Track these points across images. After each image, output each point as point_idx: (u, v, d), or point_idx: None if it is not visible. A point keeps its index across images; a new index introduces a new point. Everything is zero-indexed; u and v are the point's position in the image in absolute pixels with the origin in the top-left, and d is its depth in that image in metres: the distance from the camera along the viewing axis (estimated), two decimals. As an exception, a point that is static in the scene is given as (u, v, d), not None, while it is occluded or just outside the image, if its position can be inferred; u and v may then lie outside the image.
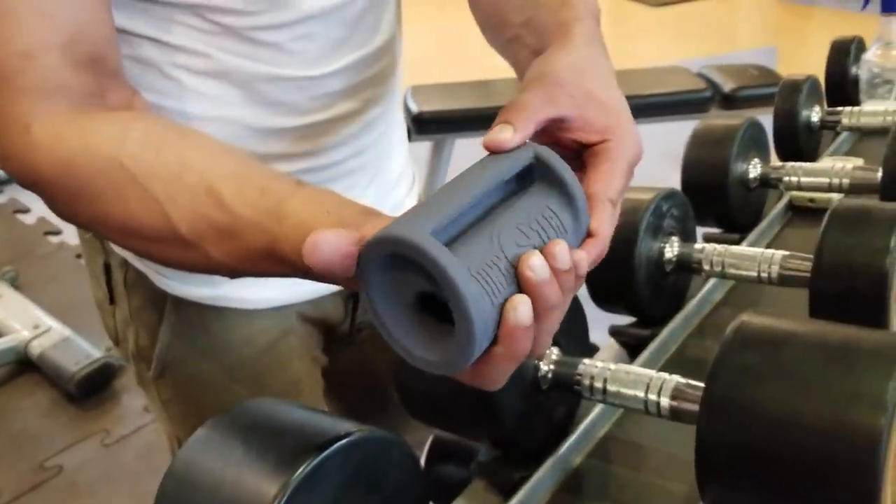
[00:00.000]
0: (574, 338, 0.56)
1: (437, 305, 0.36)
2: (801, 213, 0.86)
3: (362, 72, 0.66)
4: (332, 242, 0.37)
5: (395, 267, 0.36)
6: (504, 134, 0.41)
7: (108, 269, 0.71)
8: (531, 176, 0.41)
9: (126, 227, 0.47)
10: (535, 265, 0.37)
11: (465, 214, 0.37)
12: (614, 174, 0.45)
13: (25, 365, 2.06)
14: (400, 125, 0.79)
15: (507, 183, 0.40)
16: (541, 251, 0.38)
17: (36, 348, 2.02)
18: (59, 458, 1.81)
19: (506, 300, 0.36)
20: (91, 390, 1.96)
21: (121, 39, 0.53)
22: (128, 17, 0.55)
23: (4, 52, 0.47)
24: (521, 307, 0.36)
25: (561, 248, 0.38)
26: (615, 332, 0.68)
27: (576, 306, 0.55)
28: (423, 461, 0.76)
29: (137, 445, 1.83)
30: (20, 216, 2.83)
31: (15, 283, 2.37)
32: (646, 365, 0.62)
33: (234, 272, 0.46)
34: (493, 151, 0.41)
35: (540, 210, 0.40)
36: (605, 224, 0.43)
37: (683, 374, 0.49)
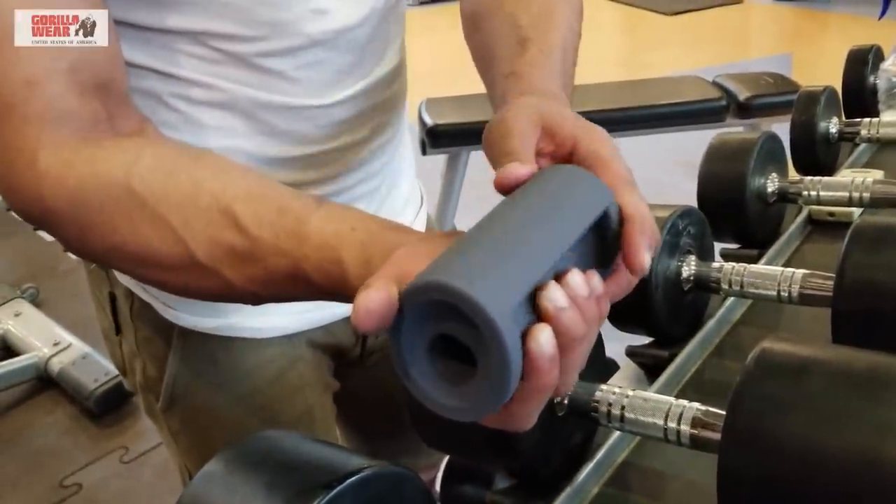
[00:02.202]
0: (590, 360, 0.55)
1: (450, 347, 0.35)
2: (821, 227, 0.85)
3: (370, 99, 0.65)
4: (383, 301, 0.33)
5: (425, 314, 0.34)
6: (515, 169, 0.41)
7: (113, 299, 0.70)
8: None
9: (140, 255, 0.45)
10: (554, 296, 0.35)
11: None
12: (611, 165, 0.43)
13: (45, 382, 2.08)
14: (408, 148, 0.78)
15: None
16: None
17: (56, 365, 2.04)
18: (79, 476, 1.82)
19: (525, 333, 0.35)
20: (110, 407, 1.97)
21: None
22: (128, 48, 0.54)
23: (7, 81, 0.45)
24: (542, 335, 0.34)
25: (573, 274, 0.36)
26: (632, 352, 0.67)
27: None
28: (439, 481, 0.75)
29: (156, 462, 1.83)
30: (41, 233, 2.86)
31: (35, 300, 2.40)
32: (664, 388, 0.61)
33: (255, 298, 0.45)
34: (509, 188, 0.40)
35: (584, 266, 0.39)
36: (641, 204, 0.41)
37: (703, 397, 0.48)
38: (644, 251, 0.39)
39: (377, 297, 0.33)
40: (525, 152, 0.43)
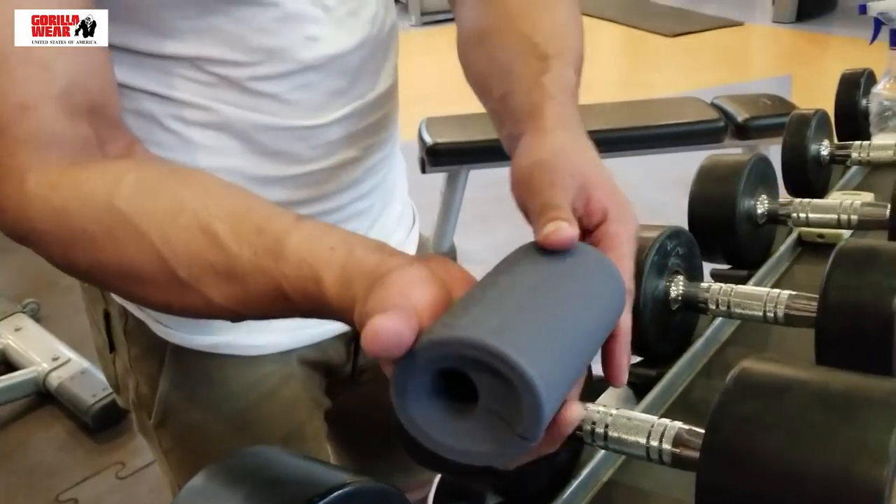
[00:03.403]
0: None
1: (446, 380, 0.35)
2: (811, 248, 0.86)
3: (363, 120, 0.66)
4: (394, 331, 0.34)
5: (444, 360, 0.34)
6: (568, 231, 0.40)
7: (107, 317, 0.71)
8: None
9: (123, 272, 0.46)
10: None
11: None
12: (626, 262, 0.44)
13: (44, 397, 2.08)
14: (400, 168, 0.79)
15: None
16: None
17: (54, 380, 2.04)
18: (75, 492, 1.81)
19: None
20: (107, 423, 1.97)
21: (119, 94, 0.53)
22: (126, 71, 0.55)
23: (1, 104, 0.46)
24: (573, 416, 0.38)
25: None
26: (621, 372, 0.68)
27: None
28: (431, 499, 0.76)
29: (152, 479, 1.82)
30: (42, 249, 2.86)
31: (36, 315, 2.40)
32: (651, 406, 0.62)
33: (236, 316, 0.45)
34: (558, 248, 0.41)
35: None
36: (629, 319, 0.44)
37: (689, 416, 0.49)
38: (626, 369, 0.43)
39: (393, 327, 0.34)
40: (569, 210, 0.43)
